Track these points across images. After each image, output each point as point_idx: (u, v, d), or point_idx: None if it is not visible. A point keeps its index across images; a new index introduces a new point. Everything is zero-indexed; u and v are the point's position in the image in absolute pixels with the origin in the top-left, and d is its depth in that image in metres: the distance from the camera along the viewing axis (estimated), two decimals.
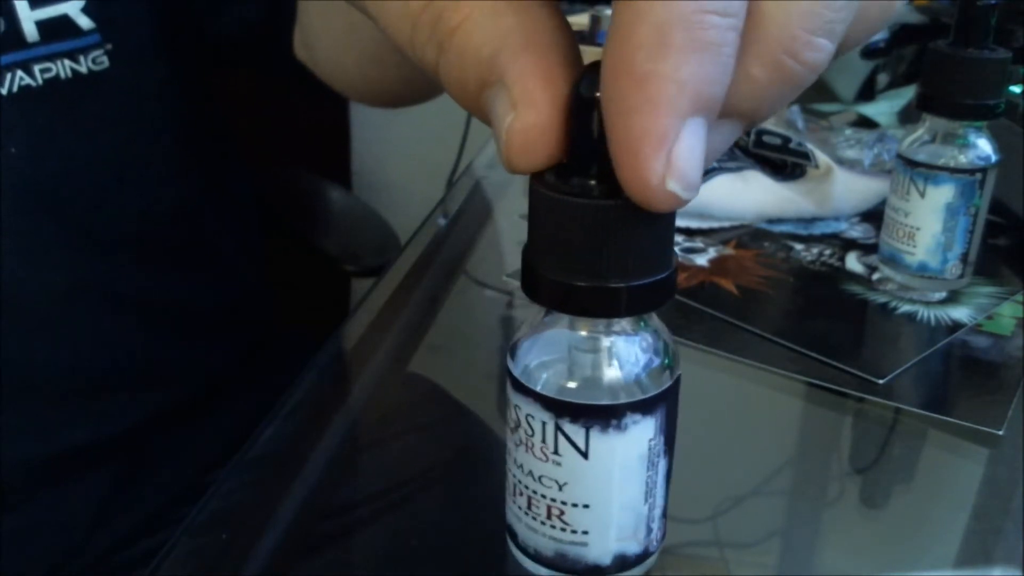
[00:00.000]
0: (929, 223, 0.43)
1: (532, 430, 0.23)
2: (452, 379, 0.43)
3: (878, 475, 0.36)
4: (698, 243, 0.51)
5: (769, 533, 0.33)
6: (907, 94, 0.76)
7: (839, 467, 0.38)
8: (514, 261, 0.51)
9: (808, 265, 0.49)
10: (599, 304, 0.20)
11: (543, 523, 0.24)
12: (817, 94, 0.79)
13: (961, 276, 0.44)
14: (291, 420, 0.38)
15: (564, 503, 0.24)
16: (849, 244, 0.52)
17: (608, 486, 0.23)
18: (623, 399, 0.22)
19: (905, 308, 0.45)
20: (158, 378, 0.56)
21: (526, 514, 0.24)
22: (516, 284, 0.48)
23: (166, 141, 0.54)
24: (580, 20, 0.71)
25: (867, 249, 0.51)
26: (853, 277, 0.48)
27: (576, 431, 0.22)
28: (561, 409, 0.22)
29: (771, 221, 0.54)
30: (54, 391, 0.51)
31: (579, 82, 0.19)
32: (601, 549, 0.24)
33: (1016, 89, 0.53)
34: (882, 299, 0.46)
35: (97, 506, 0.53)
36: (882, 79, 0.78)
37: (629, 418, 0.22)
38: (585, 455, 0.23)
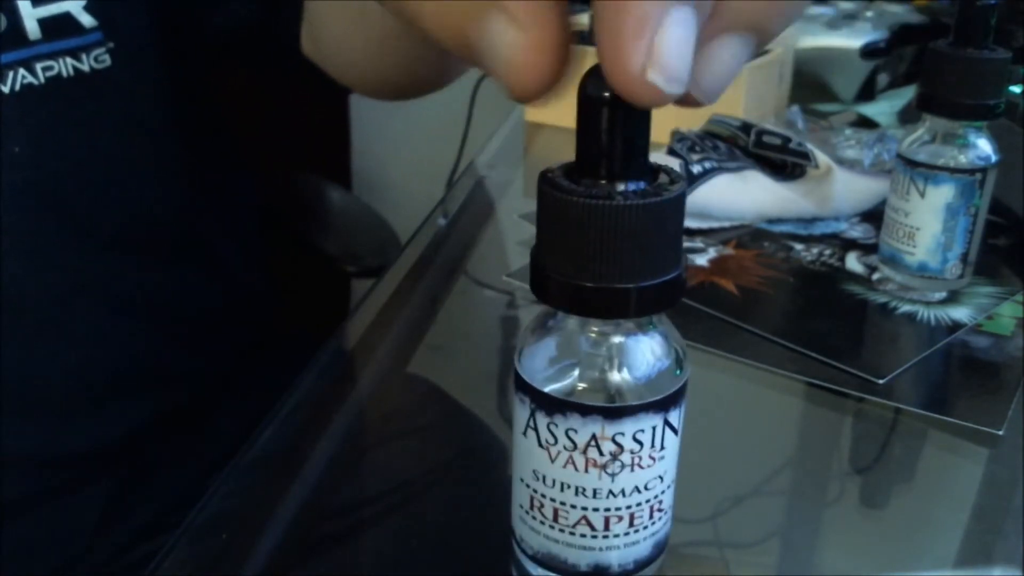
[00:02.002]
0: (929, 223, 0.43)
1: (641, 444, 0.23)
2: (452, 379, 0.43)
3: (878, 475, 0.36)
4: (698, 243, 0.51)
5: (769, 533, 0.33)
6: (907, 94, 0.76)
7: (839, 467, 0.38)
8: (514, 261, 0.51)
9: (808, 265, 0.49)
10: (609, 305, 0.20)
11: (646, 528, 0.24)
12: (817, 94, 0.79)
13: (961, 276, 0.44)
14: (291, 420, 0.38)
15: (664, 491, 0.24)
16: (849, 244, 0.52)
17: (681, 446, 0.24)
18: (684, 371, 0.23)
19: (905, 308, 0.45)
20: (158, 380, 0.56)
21: (626, 533, 0.24)
22: (516, 284, 0.48)
23: (167, 140, 0.54)
24: (580, 20, 0.71)
25: (867, 249, 0.51)
26: (853, 277, 0.48)
27: (676, 415, 0.23)
28: (668, 403, 0.23)
29: (771, 221, 0.54)
30: (55, 396, 0.51)
31: (585, 82, 0.19)
32: (671, 509, 0.25)
33: (1016, 89, 0.53)
34: (882, 299, 0.46)
35: (99, 512, 0.52)
36: (882, 79, 0.78)
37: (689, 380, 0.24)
38: (676, 431, 0.23)
